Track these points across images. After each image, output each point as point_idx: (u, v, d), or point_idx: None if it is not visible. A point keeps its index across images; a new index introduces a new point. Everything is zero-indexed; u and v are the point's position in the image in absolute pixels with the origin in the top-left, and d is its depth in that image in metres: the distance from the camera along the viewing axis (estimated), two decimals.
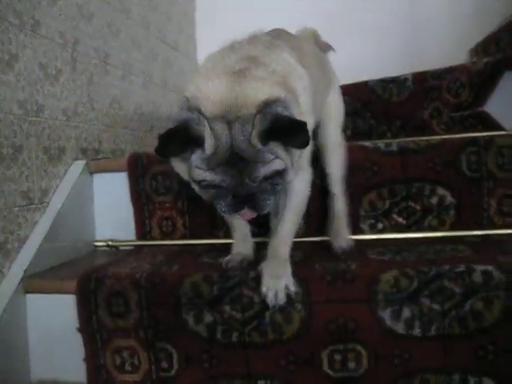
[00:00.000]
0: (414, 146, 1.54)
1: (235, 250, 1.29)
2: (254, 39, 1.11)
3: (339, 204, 1.44)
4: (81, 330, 1.26)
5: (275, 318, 1.20)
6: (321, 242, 1.50)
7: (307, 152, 1.14)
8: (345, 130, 1.53)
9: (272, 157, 0.92)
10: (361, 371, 1.20)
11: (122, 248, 1.60)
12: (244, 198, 0.94)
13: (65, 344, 1.28)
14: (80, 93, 1.69)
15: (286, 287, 1.13)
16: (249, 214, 0.98)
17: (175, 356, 1.25)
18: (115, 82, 1.95)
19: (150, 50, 2.33)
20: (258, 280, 1.18)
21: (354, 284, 1.18)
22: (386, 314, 1.18)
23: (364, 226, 1.55)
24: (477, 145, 1.52)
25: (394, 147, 1.54)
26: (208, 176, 0.92)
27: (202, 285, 1.23)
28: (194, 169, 0.93)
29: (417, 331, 1.18)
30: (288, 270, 1.16)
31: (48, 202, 1.49)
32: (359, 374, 1.20)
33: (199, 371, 1.24)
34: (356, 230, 1.54)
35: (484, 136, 1.54)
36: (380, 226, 1.55)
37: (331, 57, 1.60)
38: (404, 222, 1.54)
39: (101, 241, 1.63)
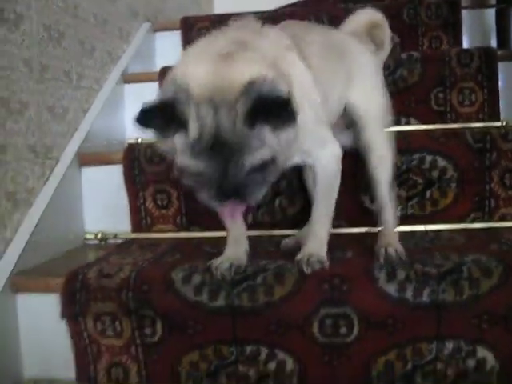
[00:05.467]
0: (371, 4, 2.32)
1: (227, 252, 1.22)
2: (244, 25, 1.09)
3: (387, 214, 1.34)
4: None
5: None
6: None
7: (318, 125, 1.10)
8: None
9: (258, 143, 0.87)
10: None
11: None
12: (230, 191, 0.89)
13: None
14: None
15: (319, 261, 1.16)
16: (235, 206, 0.94)
17: None
18: None
19: None
20: None
21: None
22: None
23: None
24: (413, 2, 2.31)
25: None
26: (191, 162, 0.87)
27: None
28: (178, 154, 0.89)
29: None
30: (324, 248, 1.19)
31: (131, 40, 2.26)
32: None
33: None
34: None
35: None
36: None
37: None
38: None
39: None
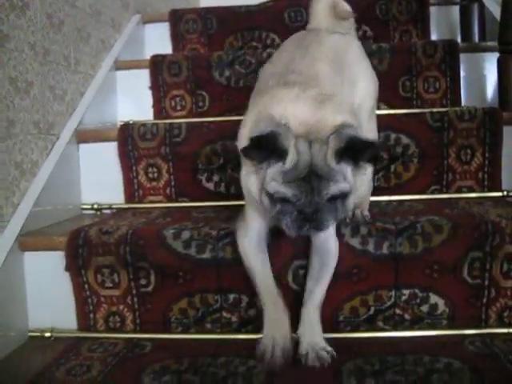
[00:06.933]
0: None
1: (266, 330, 1.21)
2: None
3: (364, 187, 1.52)
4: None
5: None
6: None
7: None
8: None
9: (341, 177, 1.03)
10: None
11: None
12: (309, 216, 1.04)
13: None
14: None
15: (324, 349, 1.18)
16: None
17: None
18: None
19: None
20: None
21: None
22: None
23: None
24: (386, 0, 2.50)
25: None
26: (282, 189, 1.02)
27: None
28: (269, 181, 1.03)
29: None
30: (321, 333, 1.22)
31: (122, 31, 2.42)
32: None
33: None
34: None
35: None
36: None
37: None
38: None
39: None
